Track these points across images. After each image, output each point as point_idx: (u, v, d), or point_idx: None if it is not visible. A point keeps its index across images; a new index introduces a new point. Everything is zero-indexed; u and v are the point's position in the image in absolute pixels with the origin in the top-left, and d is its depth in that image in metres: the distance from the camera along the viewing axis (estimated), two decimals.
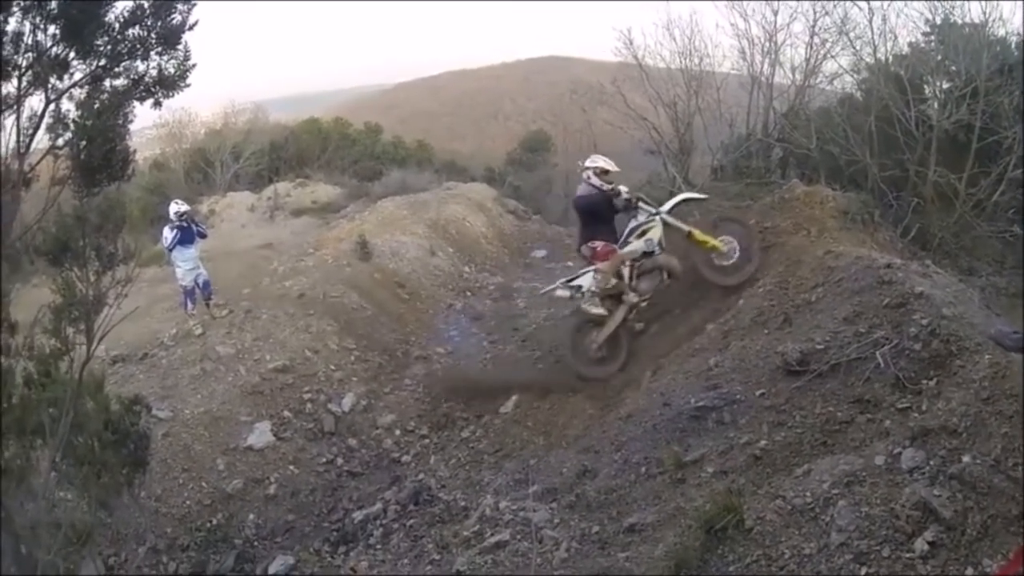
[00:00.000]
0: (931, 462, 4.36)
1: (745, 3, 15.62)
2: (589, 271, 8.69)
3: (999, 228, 9.93)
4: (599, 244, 8.69)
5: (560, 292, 8.91)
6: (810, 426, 5.46)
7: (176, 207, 11.13)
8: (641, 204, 8.69)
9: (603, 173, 8.74)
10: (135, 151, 4.90)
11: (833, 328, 6.25)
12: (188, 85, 5.13)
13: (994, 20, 11.66)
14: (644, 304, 8.62)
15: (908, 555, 3.92)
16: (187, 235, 11.00)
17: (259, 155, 26.52)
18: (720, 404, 6.20)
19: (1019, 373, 4.50)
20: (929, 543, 3.90)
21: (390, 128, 36.36)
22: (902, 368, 5.37)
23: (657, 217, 8.64)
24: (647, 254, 8.54)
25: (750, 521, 4.57)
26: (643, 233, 8.59)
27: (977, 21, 11.76)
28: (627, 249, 8.57)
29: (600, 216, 8.79)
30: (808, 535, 4.33)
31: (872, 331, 5.91)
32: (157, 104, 5.05)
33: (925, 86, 11.98)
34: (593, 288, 8.67)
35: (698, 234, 8.51)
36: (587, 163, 8.88)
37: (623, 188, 8.85)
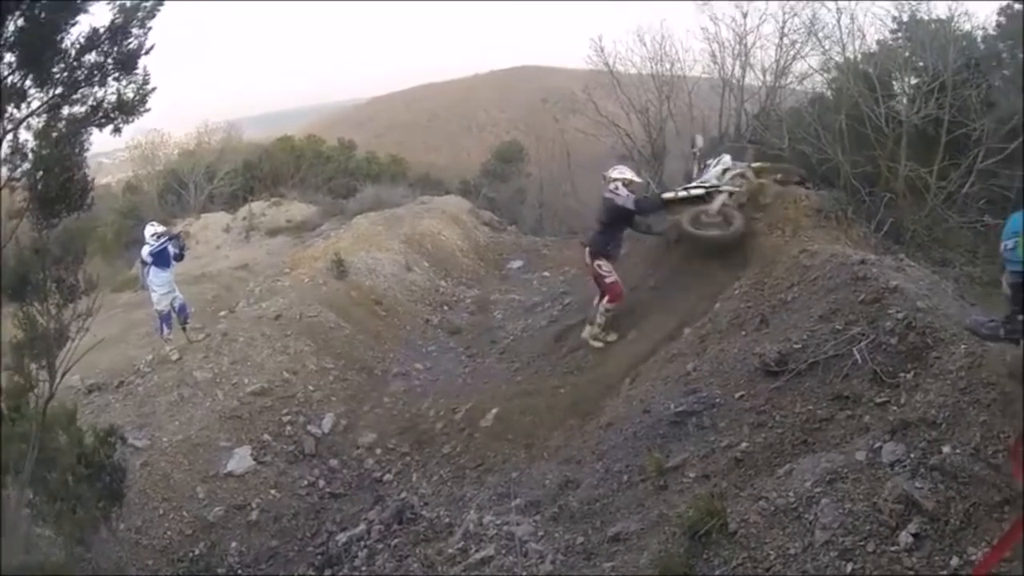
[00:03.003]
0: (912, 455, 4.34)
1: (714, 4, 15.86)
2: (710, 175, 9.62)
3: (970, 219, 9.98)
4: (607, 272, 9.32)
5: (694, 192, 9.47)
6: (790, 426, 5.45)
7: (152, 229, 10.98)
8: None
9: (630, 183, 9.40)
10: (93, 179, 4.83)
11: (810, 327, 6.25)
12: (148, 109, 5.07)
13: (960, 15, 11.83)
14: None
15: (893, 549, 3.91)
16: (162, 258, 10.84)
17: (233, 175, 26.42)
18: (700, 408, 6.19)
19: (995, 362, 4.50)
20: (913, 535, 3.89)
21: (366, 143, 36.36)
22: (879, 363, 5.38)
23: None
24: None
25: (734, 524, 4.55)
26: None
27: (943, 17, 11.92)
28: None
29: (621, 225, 9.42)
30: (792, 535, 4.31)
31: (848, 327, 5.91)
32: (116, 131, 4.98)
33: (894, 83, 12.06)
34: (600, 322, 9.41)
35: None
36: (614, 175, 9.46)
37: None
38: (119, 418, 8.98)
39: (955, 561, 3.71)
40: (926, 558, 3.80)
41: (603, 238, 9.37)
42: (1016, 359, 4.26)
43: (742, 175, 9.47)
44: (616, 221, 9.37)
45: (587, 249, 9.47)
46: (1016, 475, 2.93)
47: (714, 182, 9.42)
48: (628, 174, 9.56)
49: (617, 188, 9.33)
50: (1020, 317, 4.38)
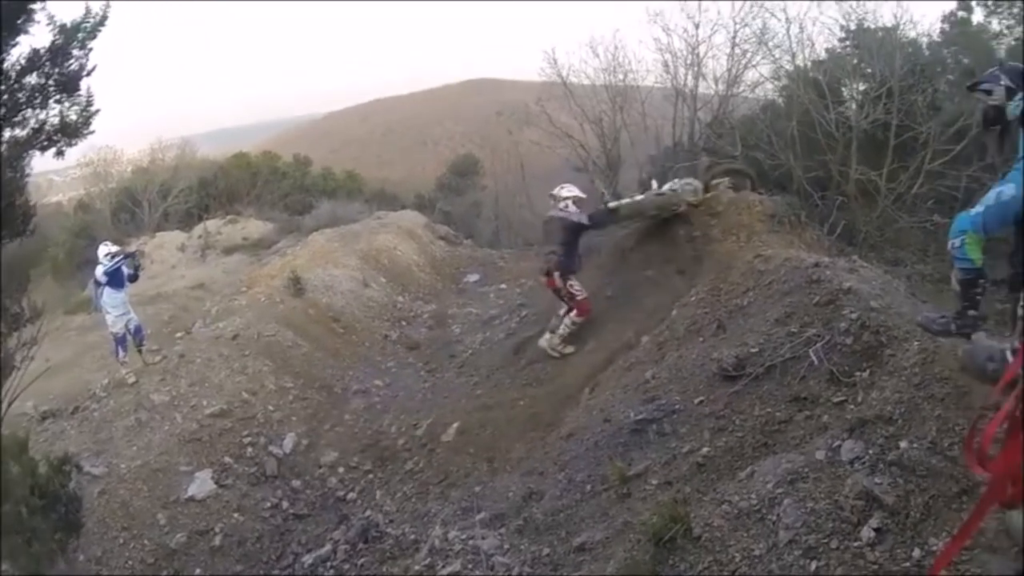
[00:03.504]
0: (870, 451, 4.38)
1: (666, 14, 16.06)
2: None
3: (920, 218, 10.24)
4: (578, 290, 9.54)
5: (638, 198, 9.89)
6: (750, 429, 5.47)
7: (106, 248, 10.75)
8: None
9: (579, 200, 9.68)
10: (36, 204, 4.72)
11: (766, 330, 6.29)
12: (92, 132, 4.98)
13: (905, 23, 12.17)
14: None
15: (856, 544, 3.93)
16: (116, 278, 10.62)
17: (188, 192, 26.06)
18: (660, 416, 6.19)
19: (947, 357, 4.58)
20: (875, 530, 3.92)
21: (322, 159, 36.17)
22: (835, 363, 5.42)
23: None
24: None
25: (698, 529, 4.54)
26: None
27: (889, 25, 12.24)
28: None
29: (578, 240, 9.66)
30: (756, 536, 4.32)
31: (804, 330, 5.96)
32: (60, 154, 4.89)
33: (843, 89, 12.36)
34: (564, 332, 9.64)
35: None
36: (564, 193, 9.78)
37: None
38: (75, 445, 8.79)
39: (917, 553, 3.75)
40: (888, 551, 3.83)
41: (567, 258, 9.53)
42: (967, 353, 4.34)
43: (689, 183, 9.74)
44: (574, 238, 9.58)
45: (556, 274, 9.54)
46: (971, 466, 2.97)
47: (661, 190, 9.72)
48: (576, 191, 9.85)
49: (568, 206, 9.58)
50: (970, 312, 4.49)
